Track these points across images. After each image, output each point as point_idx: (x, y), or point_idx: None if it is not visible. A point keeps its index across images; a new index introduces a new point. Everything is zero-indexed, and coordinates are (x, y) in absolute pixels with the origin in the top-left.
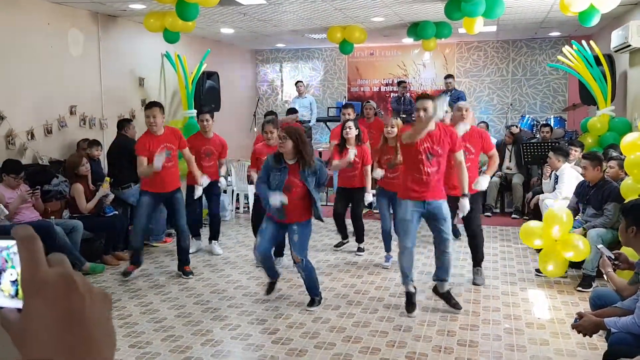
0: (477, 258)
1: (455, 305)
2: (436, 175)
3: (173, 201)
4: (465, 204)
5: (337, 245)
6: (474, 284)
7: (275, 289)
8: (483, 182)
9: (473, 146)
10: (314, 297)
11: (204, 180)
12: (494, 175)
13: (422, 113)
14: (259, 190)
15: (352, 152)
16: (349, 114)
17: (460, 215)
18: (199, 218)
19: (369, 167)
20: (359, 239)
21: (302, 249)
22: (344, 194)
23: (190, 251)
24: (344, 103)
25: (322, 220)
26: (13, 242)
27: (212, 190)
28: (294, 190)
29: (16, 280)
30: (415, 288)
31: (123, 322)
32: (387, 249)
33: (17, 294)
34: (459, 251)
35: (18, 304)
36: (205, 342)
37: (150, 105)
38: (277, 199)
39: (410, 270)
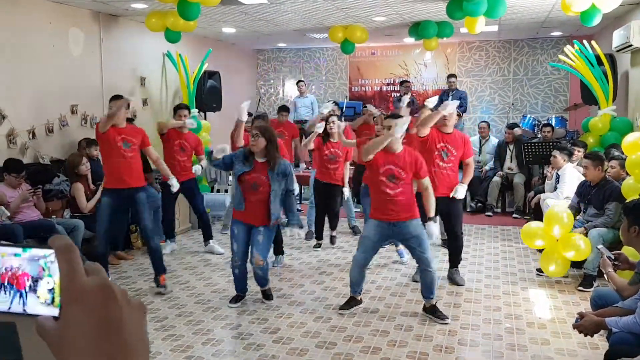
0: (457, 260)
1: (440, 317)
2: (401, 196)
3: (135, 200)
4: (432, 229)
5: (315, 247)
6: (456, 284)
7: (243, 298)
8: (461, 191)
9: (455, 149)
10: (266, 290)
11: (173, 182)
12: (495, 174)
13: (385, 131)
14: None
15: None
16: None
17: (430, 242)
18: (172, 218)
19: (347, 164)
20: (333, 225)
21: (264, 251)
22: (319, 188)
23: (165, 252)
24: (345, 103)
25: (301, 227)
26: (50, 251)
27: (191, 188)
28: (260, 190)
29: (52, 288)
30: (361, 299)
31: None
32: (397, 243)
33: (53, 301)
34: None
35: (54, 311)
36: (206, 341)
37: (115, 98)
38: (220, 148)
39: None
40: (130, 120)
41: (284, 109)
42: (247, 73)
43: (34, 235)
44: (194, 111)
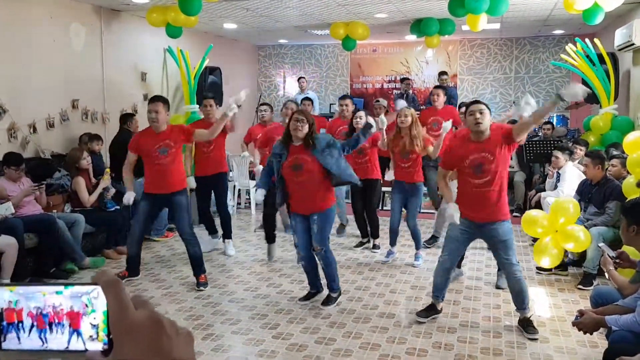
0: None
1: (529, 331)
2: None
3: (173, 204)
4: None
5: (356, 246)
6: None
7: (315, 297)
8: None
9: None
10: (331, 292)
11: (191, 182)
12: None
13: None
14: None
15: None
16: (346, 105)
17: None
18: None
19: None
20: (375, 234)
21: (322, 240)
22: (359, 188)
23: (205, 250)
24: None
25: (358, 183)
26: (93, 287)
27: (218, 183)
28: (305, 168)
29: (97, 324)
30: (442, 308)
31: None
32: (392, 243)
33: (97, 336)
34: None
35: (98, 346)
36: (205, 336)
37: (154, 100)
38: (259, 194)
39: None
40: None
41: (307, 99)
42: (248, 69)
43: (35, 229)
44: (195, 107)
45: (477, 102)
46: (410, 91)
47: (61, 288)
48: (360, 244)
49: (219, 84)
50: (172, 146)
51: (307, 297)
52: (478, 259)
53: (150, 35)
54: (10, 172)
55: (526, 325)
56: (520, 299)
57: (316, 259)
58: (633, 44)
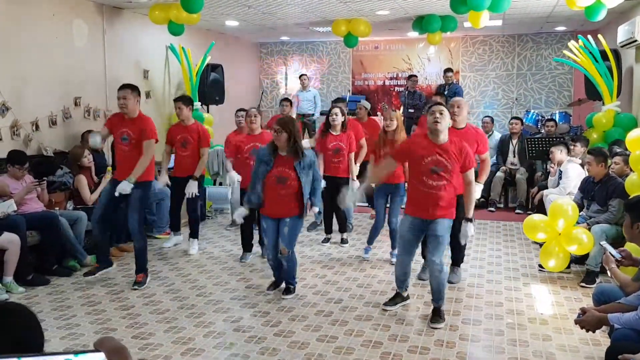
0: (458, 258)
1: (435, 320)
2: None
3: (129, 195)
4: (469, 230)
5: (323, 241)
6: (449, 282)
7: (279, 286)
8: (478, 190)
9: (468, 144)
10: (290, 285)
11: (162, 180)
12: (498, 169)
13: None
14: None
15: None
16: (336, 115)
17: (463, 242)
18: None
19: (352, 155)
20: (342, 228)
21: (290, 243)
22: (328, 184)
23: (167, 245)
24: (348, 97)
25: (319, 211)
26: (97, 355)
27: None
28: (288, 184)
29: None
30: (408, 296)
31: (126, 314)
32: (370, 241)
33: None
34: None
35: None
36: (207, 333)
37: (123, 87)
38: (239, 214)
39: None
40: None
41: (286, 100)
42: (250, 66)
43: (37, 226)
44: (196, 104)
45: (439, 104)
46: (417, 88)
47: (71, 356)
48: (326, 240)
49: (221, 81)
50: (133, 137)
51: (273, 287)
52: (480, 256)
53: (152, 32)
54: (14, 171)
55: (434, 315)
56: (437, 295)
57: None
58: (636, 40)
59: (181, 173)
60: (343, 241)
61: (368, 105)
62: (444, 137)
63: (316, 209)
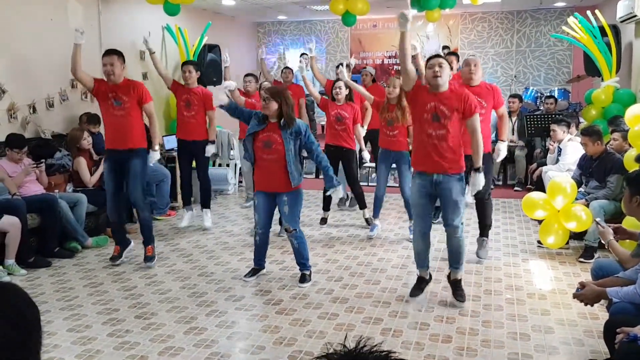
0: (486, 225)
1: (458, 296)
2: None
3: (128, 164)
4: (479, 181)
5: (321, 222)
6: (478, 256)
7: (258, 274)
8: (503, 150)
9: (485, 101)
10: (304, 271)
11: (154, 156)
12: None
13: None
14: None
15: None
16: (340, 88)
17: (472, 192)
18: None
19: (359, 126)
20: (362, 205)
21: (293, 220)
22: (330, 153)
23: (183, 225)
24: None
25: (339, 183)
26: None
27: (198, 150)
28: (274, 148)
29: None
30: (430, 275)
31: (128, 294)
32: (375, 214)
33: None
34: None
35: None
36: (210, 312)
37: (109, 53)
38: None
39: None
40: None
41: (287, 68)
42: (247, 46)
43: (37, 209)
44: None
45: (437, 56)
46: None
47: None
48: (323, 221)
49: (218, 61)
50: (127, 100)
51: (252, 273)
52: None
53: (148, 13)
54: (13, 154)
55: (456, 288)
56: (455, 258)
57: (291, 241)
58: (635, 16)
59: (186, 135)
60: (368, 222)
61: (373, 71)
62: (444, 88)
63: (340, 192)
